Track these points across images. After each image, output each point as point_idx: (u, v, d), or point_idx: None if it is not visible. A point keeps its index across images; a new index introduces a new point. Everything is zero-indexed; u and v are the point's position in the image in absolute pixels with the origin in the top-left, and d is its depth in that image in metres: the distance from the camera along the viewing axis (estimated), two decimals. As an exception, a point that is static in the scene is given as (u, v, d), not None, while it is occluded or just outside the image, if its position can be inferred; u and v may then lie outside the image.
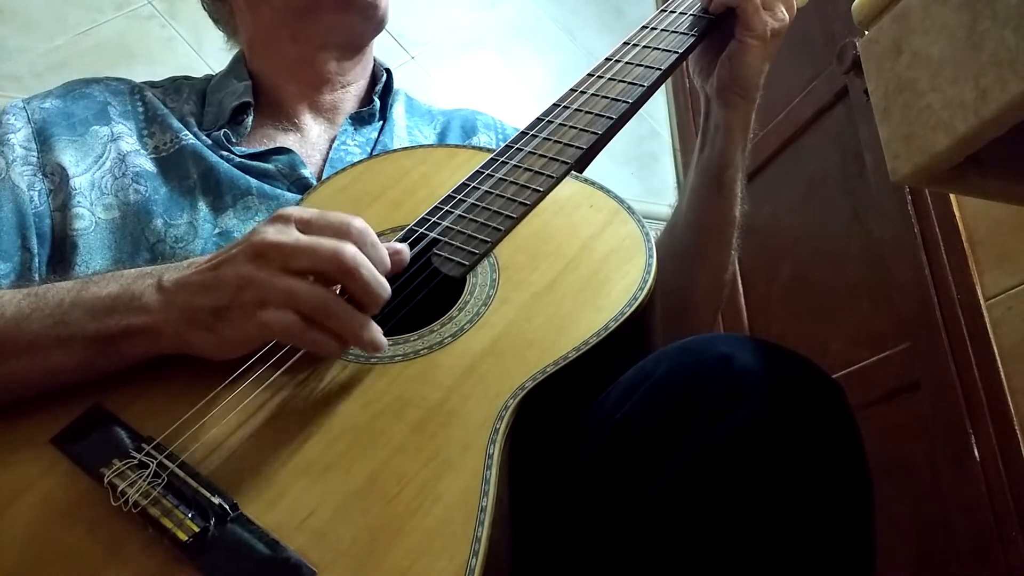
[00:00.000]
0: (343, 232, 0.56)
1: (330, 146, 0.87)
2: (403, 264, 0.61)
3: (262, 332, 0.55)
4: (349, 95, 0.93)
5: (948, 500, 1.37)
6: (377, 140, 0.89)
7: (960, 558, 1.33)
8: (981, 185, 0.80)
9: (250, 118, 0.86)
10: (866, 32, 0.82)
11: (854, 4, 0.83)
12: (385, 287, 0.56)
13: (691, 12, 0.82)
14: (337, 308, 0.54)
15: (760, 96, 0.83)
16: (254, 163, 0.81)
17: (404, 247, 0.61)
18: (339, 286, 0.55)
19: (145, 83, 0.89)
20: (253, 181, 0.79)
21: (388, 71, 0.97)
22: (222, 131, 0.83)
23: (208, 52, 1.80)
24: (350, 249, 0.55)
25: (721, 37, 0.82)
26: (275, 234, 0.55)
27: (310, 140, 0.88)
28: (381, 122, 0.92)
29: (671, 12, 0.83)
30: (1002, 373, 1.31)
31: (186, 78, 0.93)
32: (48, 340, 0.58)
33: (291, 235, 0.55)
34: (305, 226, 0.56)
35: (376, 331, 0.55)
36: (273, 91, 0.90)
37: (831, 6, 1.71)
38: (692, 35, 0.80)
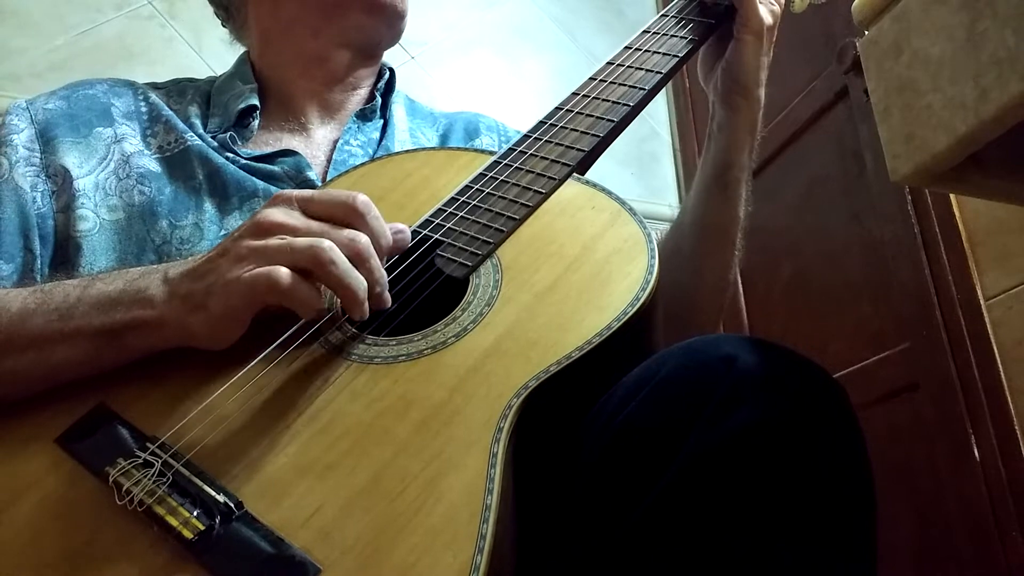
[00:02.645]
0: (349, 208, 0.57)
1: (333, 147, 0.87)
2: (405, 244, 0.62)
3: (248, 291, 0.53)
4: (357, 96, 0.93)
5: (948, 500, 1.37)
6: (380, 143, 0.90)
7: (960, 558, 1.33)
8: (982, 185, 0.80)
9: (256, 121, 0.86)
10: (866, 32, 0.82)
11: (854, 4, 0.83)
12: (384, 274, 0.58)
13: (691, 16, 0.83)
14: (332, 255, 0.54)
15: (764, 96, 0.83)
16: (260, 165, 0.81)
17: (405, 227, 0.63)
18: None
19: (148, 84, 0.89)
20: (259, 183, 0.80)
21: (391, 70, 0.97)
22: (228, 134, 0.83)
23: (208, 52, 1.80)
24: (364, 240, 0.56)
25: (722, 40, 0.83)
26: (281, 216, 0.56)
27: (315, 141, 0.88)
28: (382, 121, 0.92)
29: (671, 16, 0.84)
30: (1002, 373, 1.31)
31: (189, 80, 0.93)
32: (53, 334, 0.58)
33: (296, 217, 0.56)
34: (307, 204, 0.57)
35: (364, 295, 0.55)
36: (282, 87, 0.90)
37: (831, 6, 1.71)
38: (692, 39, 0.81)
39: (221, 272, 0.55)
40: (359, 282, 0.55)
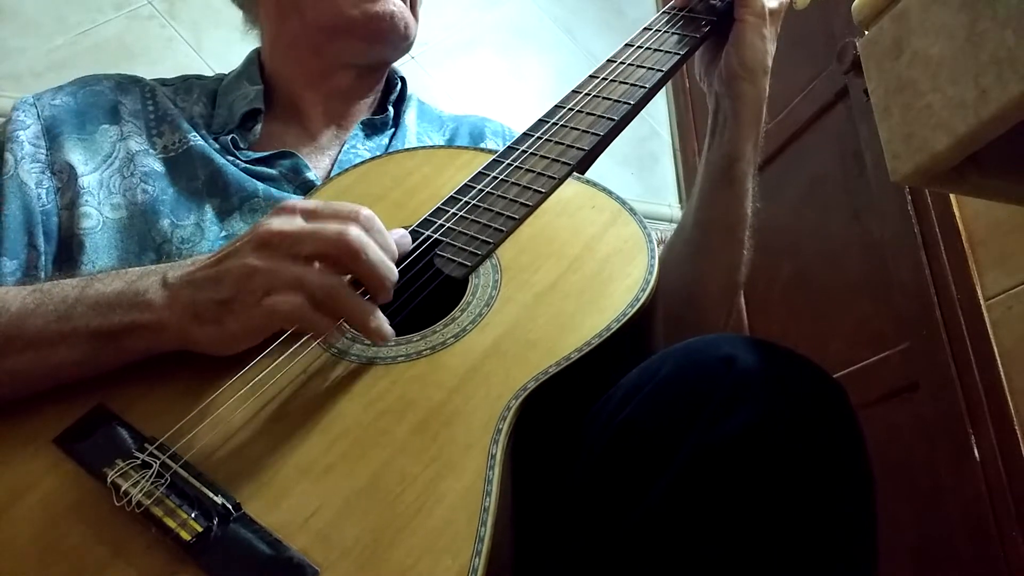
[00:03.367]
0: (350, 219, 0.57)
1: (340, 150, 0.87)
2: (406, 248, 0.62)
3: (268, 319, 0.55)
4: (364, 105, 0.93)
5: (948, 500, 1.37)
6: (388, 146, 0.89)
7: (960, 558, 1.33)
8: (981, 185, 0.80)
9: (259, 125, 0.86)
10: (866, 32, 0.82)
11: (854, 4, 0.83)
12: (393, 270, 0.57)
13: (693, 14, 0.83)
14: (345, 292, 0.55)
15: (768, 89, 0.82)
16: (259, 167, 0.81)
17: (405, 232, 0.63)
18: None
19: (156, 80, 0.89)
20: (260, 185, 0.80)
21: (403, 79, 0.97)
22: (230, 136, 0.83)
23: (208, 52, 1.80)
24: (355, 231, 0.56)
25: (723, 37, 0.82)
26: (280, 223, 0.56)
27: (320, 144, 0.88)
28: (393, 129, 0.92)
29: (673, 14, 0.84)
30: (1002, 373, 1.31)
31: (197, 77, 0.93)
32: (52, 335, 0.58)
33: (296, 223, 0.56)
34: (310, 215, 0.57)
35: (383, 320, 0.56)
36: (288, 93, 0.90)
37: (831, 6, 1.71)
38: (693, 37, 0.80)
39: (232, 286, 0.55)
40: (370, 312, 0.56)
